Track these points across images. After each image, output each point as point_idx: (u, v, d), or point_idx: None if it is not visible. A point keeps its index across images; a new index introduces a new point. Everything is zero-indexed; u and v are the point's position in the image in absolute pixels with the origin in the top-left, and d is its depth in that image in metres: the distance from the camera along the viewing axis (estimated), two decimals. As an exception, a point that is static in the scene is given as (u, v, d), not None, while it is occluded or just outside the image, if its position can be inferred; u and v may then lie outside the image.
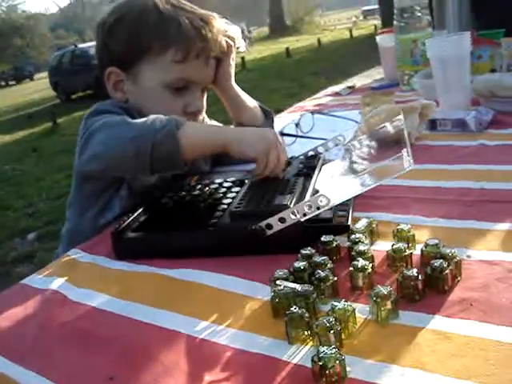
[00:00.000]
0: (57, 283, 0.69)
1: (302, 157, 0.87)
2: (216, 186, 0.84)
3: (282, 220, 0.62)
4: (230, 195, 0.78)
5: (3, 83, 37.70)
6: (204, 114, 1.03)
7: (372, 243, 0.63)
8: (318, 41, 15.00)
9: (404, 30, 1.54)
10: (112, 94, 0.95)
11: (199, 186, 0.85)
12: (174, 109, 0.91)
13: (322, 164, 0.82)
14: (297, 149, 1.08)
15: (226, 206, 0.73)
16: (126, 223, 0.74)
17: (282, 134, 1.08)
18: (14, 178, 5.94)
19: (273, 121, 1.07)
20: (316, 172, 0.77)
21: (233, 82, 1.02)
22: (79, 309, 0.62)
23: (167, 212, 0.79)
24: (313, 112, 1.22)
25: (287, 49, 13.61)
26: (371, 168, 0.61)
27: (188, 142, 0.75)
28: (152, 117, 0.77)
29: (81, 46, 15.29)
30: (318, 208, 0.60)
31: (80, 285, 0.68)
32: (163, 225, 0.74)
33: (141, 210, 0.78)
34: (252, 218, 0.64)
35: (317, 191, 0.68)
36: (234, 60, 1.01)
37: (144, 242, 0.72)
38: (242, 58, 13.38)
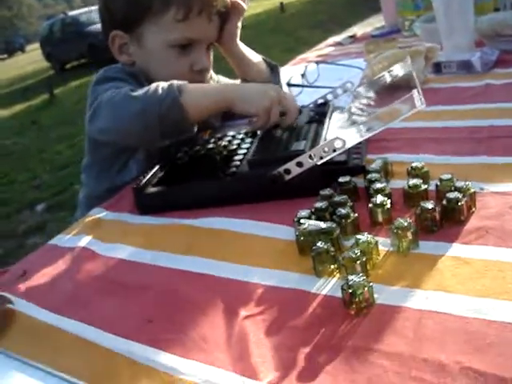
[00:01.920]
0: (84, 241, 0.72)
1: (311, 105, 0.89)
2: (229, 138, 0.85)
3: (299, 164, 0.64)
4: (244, 146, 0.80)
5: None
6: (211, 71, 1.03)
7: (388, 182, 0.65)
8: (313, -7, 14.65)
9: (404, -26, 1.52)
10: (118, 57, 0.94)
11: (212, 140, 0.87)
12: (181, 68, 0.92)
13: (332, 111, 0.83)
14: (304, 99, 1.09)
15: (242, 157, 0.75)
16: (146, 179, 0.76)
17: (289, 85, 1.09)
18: (17, 152, 5.94)
19: (279, 74, 1.07)
20: (327, 118, 0.79)
21: (238, 40, 1.02)
22: (110, 262, 0.65)
23: (184, 166, 0.80)
24: (317, 62, 1.22)
25: (281, 3, 13.29)
26: (383, 110, 0.63)
27: (192, 106, 0.76)
28: (154, 85, 0.77)
29: (71, 13, 14.92)
30: (334, 150, 0.62)
31: (107, 240, 0.70)
32: (182, 178, 0.76)
33: (158, 166, 0.80)
34: (270, 165, 0.66)
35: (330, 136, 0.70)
36: (240, 20, 1.00)
37: (165, 195, 0.74)
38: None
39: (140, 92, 0.77)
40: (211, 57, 0.99)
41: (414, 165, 0.63)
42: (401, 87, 0.71)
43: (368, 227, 0.57)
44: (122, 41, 0.92)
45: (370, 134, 0.61)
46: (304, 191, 0.65)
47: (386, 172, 0.66)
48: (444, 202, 0.54)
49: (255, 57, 1.06)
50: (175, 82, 0.77)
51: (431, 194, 0.60)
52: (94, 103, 0.82)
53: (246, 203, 0.69)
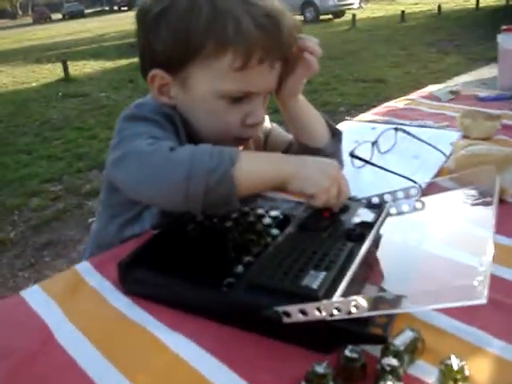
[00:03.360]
0: (51, 310, 0.63)
1: (364, 200, 0.73)
2: (254, 219, 0.72)
3: (303, 312, 0.50)
4: (264, 240, 0.67)
5: (116, 8, 38.84)
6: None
7: (411, 362, 0.50)
8: (439, 7, 13.89)
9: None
10: (157, 97, 0.80)
11: (235, 215, 0.74)
12: (231, 121, 0.78)
13: (381, 224, 0.67)
14: (366, 176, 0.94)
15: (251, 259, 0.62)
16: (137, 252, 0.65)
17: (352, 156, 0.93)
18: (107, 108, 6.10)
19: (340, 141, 0.91)
20: (370, 237, 0.63)
21: (299, 98, 0.86)
22: (58, 359, 0.55)
23: (190, 243, 0.69)
24: (396, 128, 1.05)
25: (402, 12, 12.74)
26: (434, 288, 0.47)
27: (244, 180, 0.64)
28: (199, 149, 0.65)
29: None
30: (349, 313, 0.47)
31: (73, 320, 0.61)
32: (178, 261, 0.65)
33: (160, 234, 0.69)
34: (272, 294, 0.53)
35: (356, 281, 0.55)
36: (307, 78, 0.84)
37: (149, 281, 0.63)
38: (353, 16, 12.76)
39: (184, 154, 0.65)
40: (266, 104, 0.85)
41: (448, 362, 0.46)
42: (476, 213, 0.55)
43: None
44: (163, 81, 0.79)
45: (401, 311, 0.45)
46: (302, 341, 0.51)
47: (414, 350, 0.50)
48: None
49: (316, 118, 0.89)
50: (227, 150, 0.65)
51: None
52: (120, 144, 0.71)
53: (235, 326, 0.56)
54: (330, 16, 15.45)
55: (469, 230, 0.63)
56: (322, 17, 15.09)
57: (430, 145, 0.97)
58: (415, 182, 0.81)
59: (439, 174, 0.94)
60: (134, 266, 0.65)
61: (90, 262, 0.73)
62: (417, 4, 17.02)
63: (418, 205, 0.70)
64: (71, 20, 32.75)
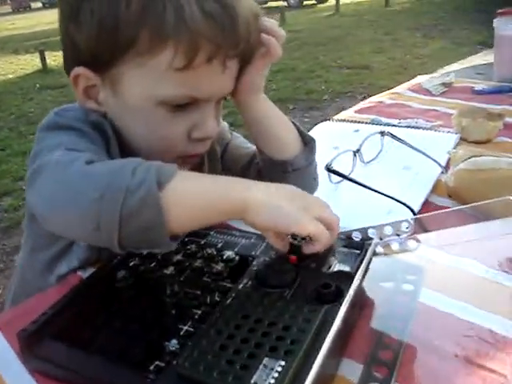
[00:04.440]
0: None
1: (342, 236, 0.57)
2: (201, 264, 0.56)
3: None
4: (211, 297, 0.51)
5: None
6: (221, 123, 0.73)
7: None
8: (424, -10, 13.71)
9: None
10: (82, 102, 0.63)
11: (179, 256, 0.58)
12: (173, 134, 0.62)
13: (365, 272, 0.51)
14: (345, 193, 0.78)
15: (191, 328, 0.46)
16: (45, 318, 0.49)
17: (329, 171, 0.77)
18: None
19: (314, 152, 0.72)
20: (350, 296, 0.47)
21: (261, 96, 0.69)
22: None
23: (115, 298, 0.53)
24: (383, 132, 0.88)
25: (388, -4, 12.55)
26: None
27: (179, 208, 0.47)
28: (123, 163, 0.49)
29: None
30: None
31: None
32: (97, 329, 0.49)
33: (81, 285, 0.54)
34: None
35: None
36: (268, 67, 0.67)
37: (58, 358, 0.47)
38: (337, 1, 12.53)
39: (102, 168, 0.49)
40: (220, 112, 0.67)
41: None
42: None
43: None
44: (89, 83, 0.62)
45: None
46: None
47: None
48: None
49: (283, 123, 0.71)
50: (157, 165, 0.48)
51: None
52: (35, 158, 0.55)
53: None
54: (314, 1, 15.21)
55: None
56: (305, 2, 14.86)
57: (423, 153, 0.81)
58: (406, 206, 0.66)
59: (434, 188, 0.78)
60: (39, 337, 0.48)
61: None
62: (402, -12, 16.80)
63: (412, 244, 0.54)
64: (51, 9, 32.05)
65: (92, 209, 0.46)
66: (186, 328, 0.47)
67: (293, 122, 0.72)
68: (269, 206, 0.48)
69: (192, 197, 0.49)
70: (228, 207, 0.49)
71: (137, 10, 0.54)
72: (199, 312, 0.49)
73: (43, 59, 7.84)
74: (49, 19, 20.00)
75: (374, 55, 6.71)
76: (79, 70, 0.60)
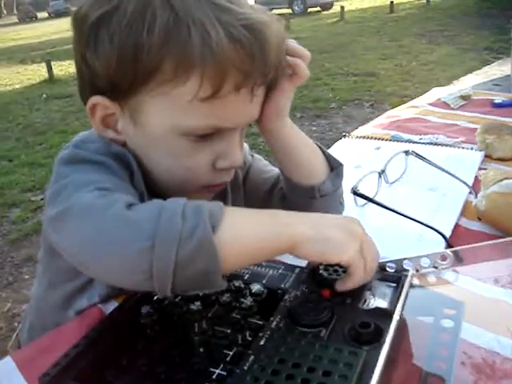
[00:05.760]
0: None
1: (376, 269, 0.54)
2: (229, 298, 0.54)
3: None
4: (241, 336, 0.48)
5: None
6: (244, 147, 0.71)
7: None
8: (427, -4, 13.71)
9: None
10: (100, 132, 0.60)
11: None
12: (197, 165, 0.59)
13: (405, 299, 0.48)
14: (372, 217, 0.75)
15: (223, 372, 0.44)
16: (67, 360, 0.47)
17: (356, 194, 0.74)
18: (91, 110, 5.89)
19: (341, 177, 0.71)
20: (390, 334, 0.44)
21: (287, 121, 0.66)
22: None
23: (139, 337, 0.51)
24: (407, 152, 0.86)
25: (391, 2, 12.52)
26: None
27: (233, 250, 0.46)
28: (168, 205, 0.46)
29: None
30: None
31: None
32: (120, 372, 0.47)
33: (103, 323, 0.51)
34: None
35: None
36: (294, 90, 0.64)
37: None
38: (342, 8, 12.55)
39: (146, 213, 0.46)
40: (244, 137, 0.64)
41: None
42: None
43: None
44: (108, 111, 0.58)
45: None
46: None
47: None
48: None
49: (310, 147, 0.69)
50: (206, 206, 0.46)
51: None
52: (59, 197, 0.51)
53: None
54: (319, 8, 15.24)
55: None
56: (310, 9, 14.90)
57: (449, 174, 0.79)
58: (438, 232, 0.63)
59: (463, 211, 0.75)
60: (62, 381, 0.46)
61: (14, 359, 0.55)
62: (405, -6, 16.82)
63: (450, 276, 0.51)
64: (57, 18, 32.24)
65: (143, 258, 0.43)
66: (218, 372, 0.45)
67: (319, 146, 0.70)
68: (316, 239, 0.47)
69: (244, 237, 0.47)
70: (278, 245, 0.48)
71: (160, 36, 0.51)
72: (231, 353, 0.47)
73: (50, 69, 7.88)
74: (55, 29, 20.16)
75: (379, 62, 6.70)
76: (97, 99, 0.57)
